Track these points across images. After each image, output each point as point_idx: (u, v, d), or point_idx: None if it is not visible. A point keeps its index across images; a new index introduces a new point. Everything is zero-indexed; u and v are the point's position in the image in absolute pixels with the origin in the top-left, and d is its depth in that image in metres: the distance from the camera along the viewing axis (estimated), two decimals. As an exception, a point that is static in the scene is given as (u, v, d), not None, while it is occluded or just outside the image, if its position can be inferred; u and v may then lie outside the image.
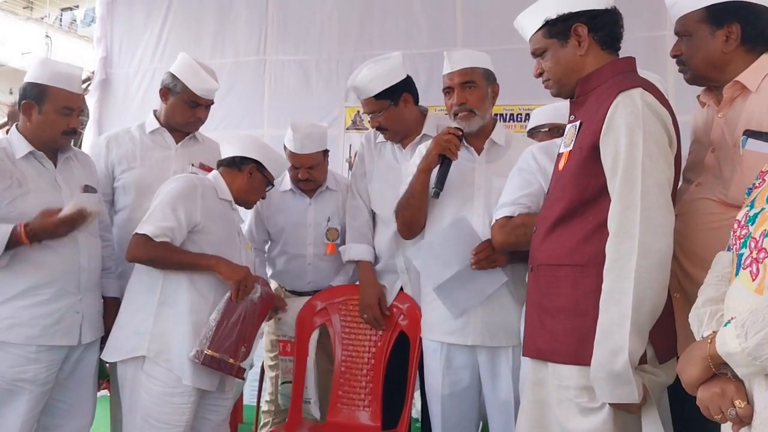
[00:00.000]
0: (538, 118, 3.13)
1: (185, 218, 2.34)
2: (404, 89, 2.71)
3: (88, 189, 2.50)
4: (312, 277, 3.03)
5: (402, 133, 2.75)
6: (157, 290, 2.35)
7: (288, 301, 2.85)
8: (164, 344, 2.32)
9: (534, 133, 3.13)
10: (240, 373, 2.39)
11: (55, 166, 2.44)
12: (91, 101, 5.11)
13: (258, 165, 2.53)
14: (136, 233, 2.33)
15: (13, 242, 2.22)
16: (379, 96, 2.66)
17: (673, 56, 1.90)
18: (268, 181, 2.58)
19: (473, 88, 2.42)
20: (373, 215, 2.85)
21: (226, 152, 2.58)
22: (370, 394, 2.69)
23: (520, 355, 2.28)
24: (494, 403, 2.39)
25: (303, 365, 2.80)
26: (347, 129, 4.79)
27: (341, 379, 2.75)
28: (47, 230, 2.25)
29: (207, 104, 2.82)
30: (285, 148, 2.99)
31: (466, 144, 2.46)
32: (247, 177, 2.52)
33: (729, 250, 1.49)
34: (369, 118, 2.77)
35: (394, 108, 2.68)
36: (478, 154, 2.48)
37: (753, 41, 1.78)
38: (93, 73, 5.13)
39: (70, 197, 2.41)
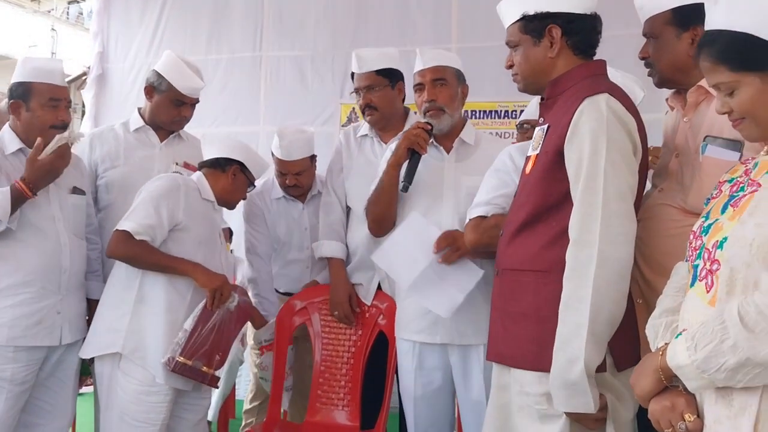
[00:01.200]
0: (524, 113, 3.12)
1: (167, 217, 2.34)
2: (400, 78, 2.75)
3: (76, 191, 2.52)
4: (309, 278, 3.03)
5: (387, 118, 2.76)
6: (135, 287, 2.36)
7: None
8: (139, 342, 2.33)
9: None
10: (214, 382, 2.39)
11: None
12: (87, 96, 5.14)
13: (241, 166, 2.54)
14: (117, 229, 2.34)
15: (18, 199, 2.26)
16: (381, 72, 2.69)
17: (641, 58, 1.88)
18: (250, 182, 2.59)
19: (444, 86, 2.42)
20: (348, 211, 2.84)
21: (208, 153, 2.59)
22: (348, 394, 2.69)
23: None
24: (467, 404, 2.39)
25: (282, 366, 2.80)
26: (343, 126, 4.78)
27: (320, 378, 2.75)
28: (42, 172, 2.29)
29: (192, 103, 2.82)
30: (273, 154, 3.00)
31: (435, 143, 2.46)
32: (231, 178, 2.53)
33: (687, 260, 1.48)
34: (361, 96, 2.74)
35: (389, 89, 2.71)
36: (447, 153, 2.47)
37: None
38: (89, 68, 5.15)
39: (57, 196, 2.43)
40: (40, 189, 2.33)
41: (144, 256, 2.33)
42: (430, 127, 2.39)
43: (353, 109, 4.69)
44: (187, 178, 2.53)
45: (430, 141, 2.41)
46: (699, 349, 1.20)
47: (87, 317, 2.57)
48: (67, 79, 2.70)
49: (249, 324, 2.93)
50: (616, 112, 1.64)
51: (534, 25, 1.78)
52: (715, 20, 1.33)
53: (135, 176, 2.71)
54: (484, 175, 2.30)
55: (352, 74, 2.79)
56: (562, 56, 1.78)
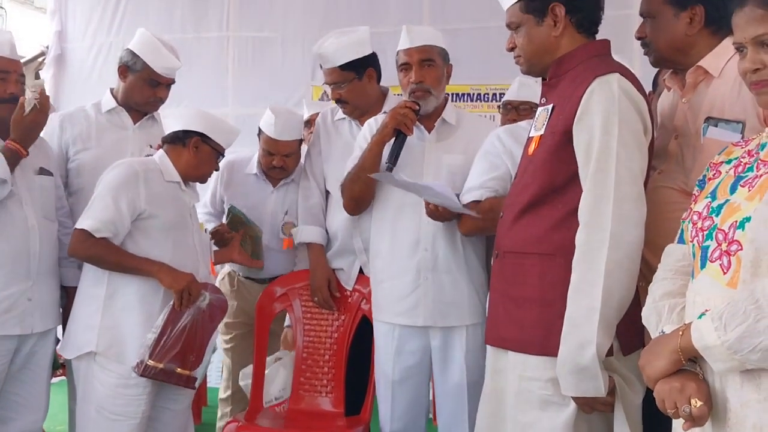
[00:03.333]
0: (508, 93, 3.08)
1: (127, 208, 2.24)
2: (369, 64, 2.66)
3: (43, 172, 2.41)
4: (265, 264, 2.93)
5: (362, 109, 2.69)
6: (104, 282, 2.28)
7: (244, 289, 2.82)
8: (114, 338, 2.25)
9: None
10: (191, 383, 2.32)
11: None
12: (46, 77, 4.95)
13: (202, 137, 2.39)
14: (76, 228, 2.25)
15: (13, 159, 2.20)
16: (345, 67, 2.60)
17: (638, 38, 1.87)
18: (218, 152, 2.44)
19: (432, 66, 2.38)
20: (327, 196, 2.78)
21: (170, 128, 2.46)
22: (332, 380, 2.65)
23: (474, 337, 2.30)
24: (445, 387, 2.37)
25: (263, 352, 2.75)
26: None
27: (303, 365, 2.70)
28: (28, 130, 2.25)
29: (168, 83, 2.72)
30: (260, 131, 2.89)
31: (417, 123, 2.41)
32: (192, 151, 2.39)
33: (680, 242, 1.47)
34: (330, 89, 2.71)
35: (357, 81, 2.63)
36: (429, 133, 2.43)
37: (717, 24, 1.75)
38: (47, 47, 4.97)
39: (23, 178, 2.32)
40: (29, 146, 2.27)
41: (106, 256, 2.24)
42: (417, 107, 2.34)
43: (325, 91, 4.62)
44: (147, 161, 2.41)
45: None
46: (729, 329, 1.18)
47: (62, 305, 2.48)
48: (22, 60, 2.59)
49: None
50: (628, 92, 1.62)
51: (536, 4, 1.74)
52: None
53: (107, 159, 2.58)
54: (465, 156, 2.31)
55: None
56: (566, 35, 1.75)
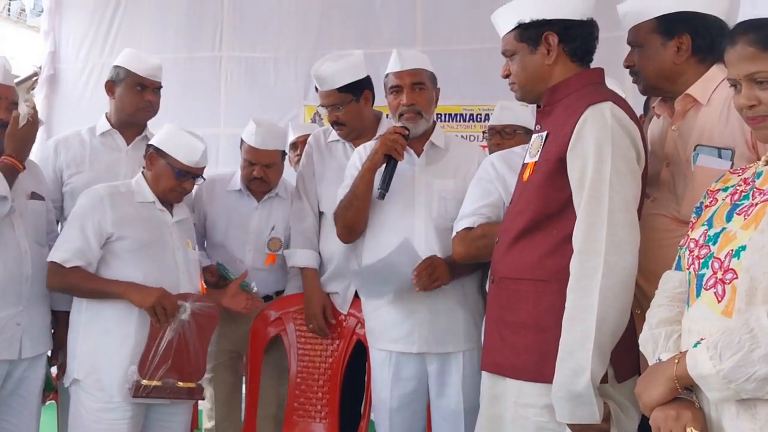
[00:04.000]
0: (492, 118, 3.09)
1: (94, 234, 2.27)
2: (366, 86, 2.67)
3: (35, 196, 2.41)
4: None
5: (358, 131, 2.70)
6: (83, 309, 2.31)
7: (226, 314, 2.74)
8: (93, 364, 2.27)
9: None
10: (197, 394, 2.32)
11: None
12: (38, 98, 4.95)
13: (157, 150, 2.39)
14: (48, 261, 2.28)
15: (11, 174, 2.21)
16: (342, 89, 2.61)
17: (626, 67, 1.89)
18: (177, 168, 2.35)
19: (423, 90, 2.39)
20: (320, 218, 2.76)
21: None
22: (327, 406, 2.62)
23: (471, 362, 2.30)
24: (442, 413, 2.35)
25: (257, 377, 2.72)
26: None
27: (296, 390, 2.67)
28: (23, 142, 2.26)
29: (154, 87, 2.75)
30: (242, 142, 2.86)
31: (406, 147, 2.41)
32: (149, 165, 2.41)
33: (678, 268, 1.48)
34: (327, 112, 2.71)
35: (355, 103, 2.63)
36: (418, 157, 2.44)
37: (704, 52, 1.78)
38: (40, 68, 4.96)
39: (15, 203, 2.31)
40: (24, 160, 2.29)
41: (79, 284, 2.27)
42: (407, 132, 2.35)
43: (317, 111, 4.64)
44: (118, 183, 2.45)
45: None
46: (725, 358, 1.19)
47: (53, 330, 2.47)
48: (15, 80, 2.59)
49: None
50: (621, 120, 1.64)
51: (530, 32, 1.76)
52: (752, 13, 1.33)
53: (101, 182, 2.59)
54: (455, 180, 2.34)
55: (316, 87, 2.73)
56: (560, 63, 1.77)
